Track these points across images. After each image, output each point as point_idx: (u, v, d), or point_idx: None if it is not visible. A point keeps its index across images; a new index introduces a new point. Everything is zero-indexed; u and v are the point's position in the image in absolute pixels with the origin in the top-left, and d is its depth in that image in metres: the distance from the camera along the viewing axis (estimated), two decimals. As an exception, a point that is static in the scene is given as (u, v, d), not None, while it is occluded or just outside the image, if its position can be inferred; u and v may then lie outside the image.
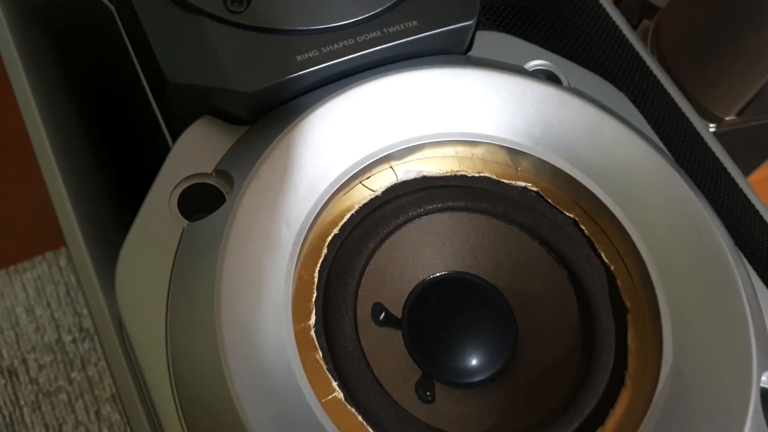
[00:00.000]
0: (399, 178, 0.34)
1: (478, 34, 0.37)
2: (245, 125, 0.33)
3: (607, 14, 0.44)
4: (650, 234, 0.33)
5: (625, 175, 0.34)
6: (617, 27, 0.43)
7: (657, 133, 0.40)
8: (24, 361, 0.61)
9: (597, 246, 0.34)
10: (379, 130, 0.33)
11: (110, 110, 0.40)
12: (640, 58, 0.42)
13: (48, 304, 0.62)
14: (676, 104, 0.43)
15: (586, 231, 0.34)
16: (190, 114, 0.33)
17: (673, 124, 0.43)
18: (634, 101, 0.41)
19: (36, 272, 0.63)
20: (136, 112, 0.38)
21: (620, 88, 0.40)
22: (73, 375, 0.60)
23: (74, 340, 0.61)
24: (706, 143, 0.42)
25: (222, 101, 0.32)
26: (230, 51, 0.32)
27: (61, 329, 0.61)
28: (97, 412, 0.58)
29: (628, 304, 0.33)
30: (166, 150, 0.34)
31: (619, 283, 0.33)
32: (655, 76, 0.42)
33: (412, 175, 0.34)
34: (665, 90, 0.42)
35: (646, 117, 0.40)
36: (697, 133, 0.41)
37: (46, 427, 0.58)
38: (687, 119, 0.43)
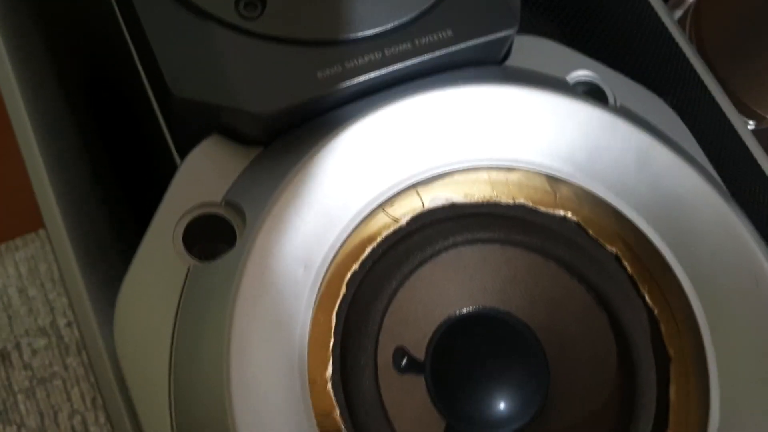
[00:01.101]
0: (425, 205, 0.31)
1: (517, 38, 0.33)
2: (258, 145, 0.30)
3: (654, 11, 0.40)
4: (699, 276, 0.30)
5: (675, 210, 0.30)
6: (664, 26, 0.39)
7: (702, 139, 0.36)
8: (17, 345, 0.58)
9: (640, 286, 0.31)
10: (406, 155, 0.30)
11: (111, 112, 0.36)
12: (687, 60, 0.39)
13: (42, 285, 0.59)
14: (722, 111, 0.39)
15: (629, 269, 0.31)
16: (198, 129, 0.30)
17: (718, 130, 0.40)
18: (677, 104, 0.37)
19: (29, 251, 0.60)
20: (140, 116, 0.34)
21: (664, 90, 0.37)
22: (68, 360, 0.58)
23: (69, 324, 0.58)
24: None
25: (232, 120, 0.29)
26: (242, 64, 0.28)
27: (56, 312, 0.59)
28: (94, 400, 0.56)
29: (671, 352, 0.30)
30: (172, 162, 0.31)
31: (662, 327, 0.31)
32: (702, 81, 0.38)
33: (439, 202, 0.31)
34: (711, 95, 0.39)
35: (692, 125, 0.36)
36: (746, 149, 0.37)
37: (41, 415, 0.56)
38: (732, 127, 0.40)
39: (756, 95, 0.48)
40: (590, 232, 0.32)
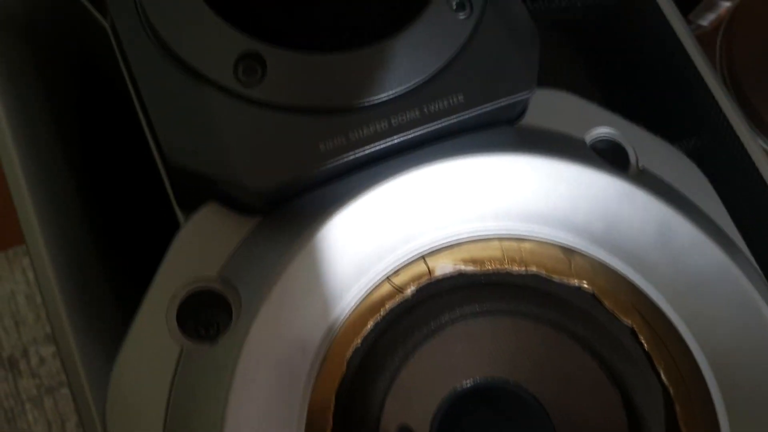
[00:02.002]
0: (433, 273, 0.29)
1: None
2: (256, 214, 0.28)
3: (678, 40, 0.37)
4: (718, 358, 0.29)
5: (696, 288, 0.29)
6: (693, 64, 0.37)
7: (727, 184, 0.35)
8: (25, 353, 0.58)
9: (656, 362, 0.30)
10: (413, 226, 0.28)
11: (112, 159, 0.35)
12: (715, 102, 0.37)
13: (50, 292, 0.58)
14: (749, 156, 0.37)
15: (644, 344, 0.30)
16: (198, 190, 0.28)
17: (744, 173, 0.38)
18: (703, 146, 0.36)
19: (37, 257, 0.59)
20: (142, 167, 0.33)
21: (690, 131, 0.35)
22: (76, 369, 0.57)
23: (77, 332, 0.57)
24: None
25: (229, 191, 0.27)
26: (240, 132, 0.27)
27: (64, 320, 0.58)
28: (102, 410, 0.56)
29: (686, 436, 0.29)
30: (173, 216, 0.30)
31: (677, 409, 0.29)
32: (731, 125, 0.36)
33: (447, 270, 0.30)
34: (740, 141, 0.37)
35: (717, 168, 0.34)
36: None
37: (49, 423, 0.56)
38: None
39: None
40: (606, 303, 0.30)
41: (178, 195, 0.30)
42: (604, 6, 0.39)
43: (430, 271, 0.30)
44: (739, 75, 0.48)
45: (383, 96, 0.27)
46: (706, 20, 0.70)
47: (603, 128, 0.31)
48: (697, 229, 0.29)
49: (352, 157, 0.27)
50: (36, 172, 0.32)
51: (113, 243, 0.35)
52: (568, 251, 0.30)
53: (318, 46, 0.28)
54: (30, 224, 0.30)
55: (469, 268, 0.30)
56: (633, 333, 0.30)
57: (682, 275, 0.29)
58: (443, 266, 0.30)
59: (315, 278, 0.26)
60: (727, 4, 0.64)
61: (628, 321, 0.30)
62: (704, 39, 0.57)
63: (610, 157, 0.31)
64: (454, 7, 0.29)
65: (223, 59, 0.27)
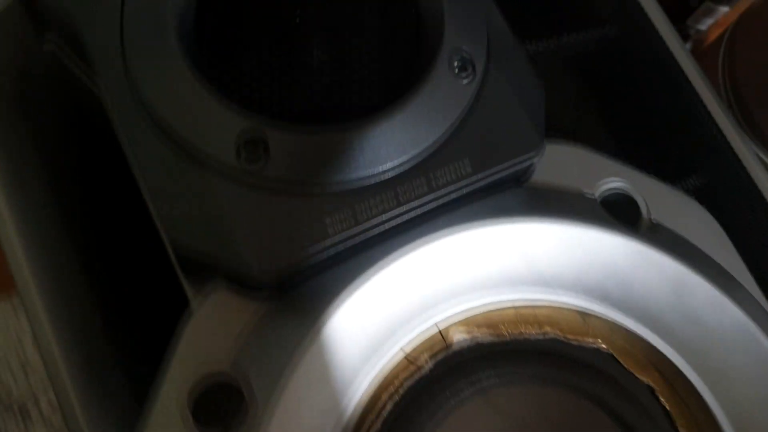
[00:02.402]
0: (448, 342, 0.29)
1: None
2: (266, 292, 0.28)
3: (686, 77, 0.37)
4: (739, 415, 0.28)
5: (713, 346, 0.29)
6: (698, 96, 0.36)
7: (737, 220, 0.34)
8: (35, 401, 0.57)
9: (676, 420, 0.29)
10: (425, 298, 0.28)
11: (112, 222, 0.34)
12: (722, 133, 0.36)
13: (57, 337, 0.58)
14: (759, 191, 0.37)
15: (664, 403, 0.29)
16: (202, 267, 0.28)
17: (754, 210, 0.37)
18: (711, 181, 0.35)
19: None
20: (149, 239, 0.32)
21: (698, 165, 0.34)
22: (87, 415, 0.57)
23: (87, 377, 0.57)
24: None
25: (236, 274, 0.27)
26: (245, 217, 0.26)
27: (73, 365, 0.57)
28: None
29: (711, 495, 0.28)
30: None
31: (700, 467, 0.29)
32: (738, 158, 0.36)
33: (463, 340, 0.29)
34: (749, 175, 0.36)
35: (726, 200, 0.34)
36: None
37: (63, 471, 0.55)
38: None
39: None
40: (624, 363, 0.30)
41: (183, 266, 0.30)
42: (609, 38, 0.38)
43: (445, 340, 0.29)
44: (742, 89, 0.47)
45: (388, 168, 0.27)
46: (705, 25, 0.69)
47: (613, 181, 0.31)
48: (712, 286, 0.28)
49: (360, 234, 0.26)
50: (34, 242, 0.31)
51: (119, 312, 0.35)
52: (583, 313, 0.29)
53: (318, 117, 0.27)
54: (30, 299, 0.30)
55: (486, 336, 0.29)
56: (652, 391, 0.30)
57: (698, 333, 0.28)
58: (459, 335, 0.29)
59: (329, 365, 0.26)
60: (726, 10, 0.63)
61: (646, 379, 0.29)
62: (707, 51, 0.56)
63: (622, 210, 0.31)
64: (456, 70, 0.28)
65: (224, 142, 0.26)
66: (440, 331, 0.29)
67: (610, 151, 0.33)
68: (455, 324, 0.29)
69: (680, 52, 0.37)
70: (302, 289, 0.27)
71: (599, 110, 0.37)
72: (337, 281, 0.27)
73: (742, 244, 0.33)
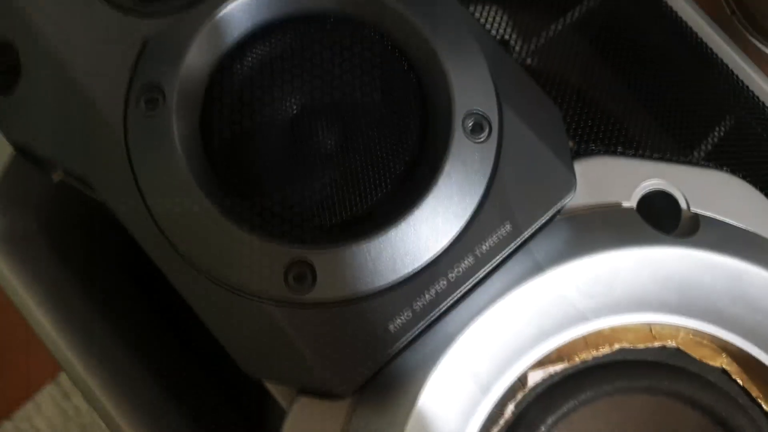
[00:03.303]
0: (525, 385, 0.30)
1: (576, 164, 0.31)
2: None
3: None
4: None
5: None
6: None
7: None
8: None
9: (754, 395, 0.31)
10: (504, 360, 0.29)
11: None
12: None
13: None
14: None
15: (739, 380, 0.31)
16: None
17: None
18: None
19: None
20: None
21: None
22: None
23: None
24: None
25: (317, 391, 0.28)
26: (310, 339, 0.27)
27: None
28: None
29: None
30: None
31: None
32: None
33: (538, 377, 0.30)
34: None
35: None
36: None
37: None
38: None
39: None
40: (692, 354, 0.31)
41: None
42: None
43: (522, 383, 0.30)
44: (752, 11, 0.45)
45: (434, 256, 0.27)
46: None
47: (649, 181, 0.31)
48: (764, 272, 0.29)
49: (423, 325, 0.27)
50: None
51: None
52: (647, 324, 0.30)
53: (347, 209, 0.28)
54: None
55: (558, 367, 0.30)
56: (725, 372, 0.31)
57: (762, 319, 0.29)
58: (533, 374, 0.30)
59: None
60: None
61: (716, 363, 0.31)
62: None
63: (661, 208, 0.31)
64: (473, 132, 0.28)
65: (271, 275, 0.27)
66: (519, 379, 0.30)
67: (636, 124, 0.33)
68: (531, 368, 0.30)
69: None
70: (381, 385, 0.28)
71: (619, 81, 0.36)
72: (411, 368, 0.28)
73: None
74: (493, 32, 0.39)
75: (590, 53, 0.36)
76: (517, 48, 0.36)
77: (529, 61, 0.36)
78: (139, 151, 0.28)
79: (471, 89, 0.28)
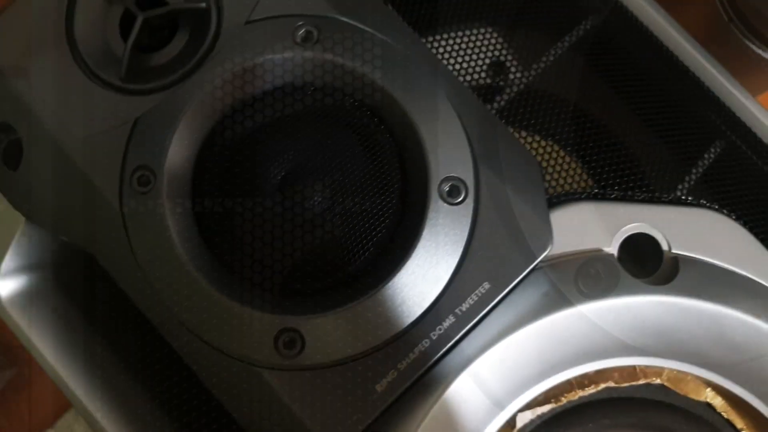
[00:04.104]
0: (513, 425, 0.32)
1: (560, 211, 0.32)
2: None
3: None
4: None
5: (761, 369, 0.30)
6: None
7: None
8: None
9: (737, 426, 0.32)
10: (491, 408, 0.30)
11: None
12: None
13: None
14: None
15: (723, 413, 0.32)
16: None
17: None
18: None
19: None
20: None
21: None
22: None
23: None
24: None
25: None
26: (302, 400, 0.29)
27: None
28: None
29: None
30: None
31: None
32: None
33: (527, 419, 0.32)
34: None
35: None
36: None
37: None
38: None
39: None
40: (676, 390, 0.32)
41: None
42: (596, 29, 0.37)
43: (511, 426, 0.32)
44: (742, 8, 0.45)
45: (415, 317, 0.29)
46: None
47: (628, 226, 0.32)
48: (744, 316, 0.30)
49: (408, 384, 0.29)
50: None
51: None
52: (632, 365, 0.31)
53: (339, 288, 0.29)
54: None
55: (546, 408, 0.32)
56: (709, 406, 0.32)
57: (741, 360, 0.30)
58: (522, 416, 0.32)
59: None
60: None
61: (701, 398, 0.32)
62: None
63: (643, 250, 0.32)
64: (449, 196, 0.29)
65: (262, 343, 0.28)
66: (507, 422, 0.31)
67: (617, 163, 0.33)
68: (519, 410, 0.32)
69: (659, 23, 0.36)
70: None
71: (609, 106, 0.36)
72: (406, 415, 0.29)
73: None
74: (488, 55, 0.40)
75: (572, 85, 0.36)
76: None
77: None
78: (135, 228, 0.29)
79: (447, 155, 0.29)
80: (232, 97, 0.30)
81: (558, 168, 0.34)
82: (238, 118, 0.30)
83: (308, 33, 0.30)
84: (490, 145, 0.30)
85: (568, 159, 0.34)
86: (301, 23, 0.30)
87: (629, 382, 0.32)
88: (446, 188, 0.29)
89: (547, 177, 0.33)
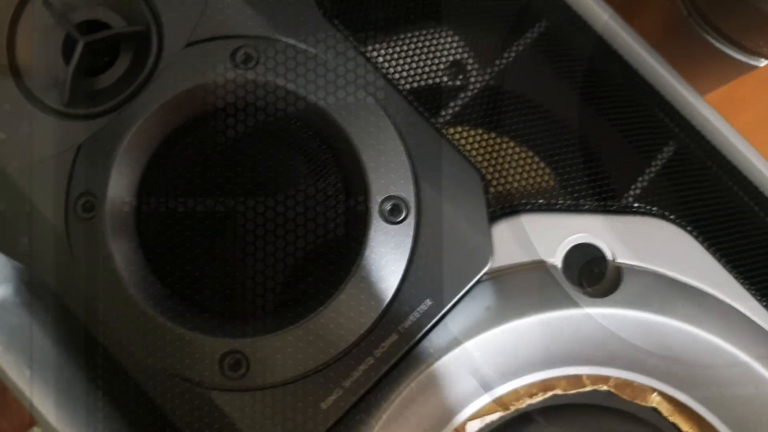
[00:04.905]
0: (463, 433, 0.32)
1: (506, 222, 0.32)
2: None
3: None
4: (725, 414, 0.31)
5: (703, 376, 0.31)
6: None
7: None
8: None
9: (683, 428, 0.33)
10: (432, 421, 0.31)
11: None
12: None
13: None
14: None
15: (668, 417, 0.33)
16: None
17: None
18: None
19: None
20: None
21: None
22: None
23: None
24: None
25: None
26: (249, 420, 0.30)
27: None
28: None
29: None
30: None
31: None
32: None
33: (476, 426, 0.33)
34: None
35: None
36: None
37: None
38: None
39: (754, 34, 0.43)
40: (622, 395, 0.32)
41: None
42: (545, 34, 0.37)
43: (460, 434, 0.32)
44: (701, 6, 0.45)
45: (359, 336, 0.29)
46: None
47: (572, 237, 0.32)
48: (685, 326, 0.30)
49: (353, 401, 0.29)
50: None
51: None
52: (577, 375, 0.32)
53: (283, 310, 0.30)
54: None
55: (495, 416, 0.32)
56: (655, 410, 0.33)
57: (682, 366, 0.31)
58: (471, 424, 0.32)
59: None
60: None
61: (647, 403, 0.32)
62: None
63: (588, 261, 0.32)
64: (390, 215, 0.29)
65: (209, 365, 0.29)
66: (456, 430, 0.32)
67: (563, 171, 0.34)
68: (469, 418, 0.32)
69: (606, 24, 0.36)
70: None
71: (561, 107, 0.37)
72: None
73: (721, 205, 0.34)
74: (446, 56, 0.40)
75: (526, 86, 0.37)
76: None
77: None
78: (80, 254, 0.30)
79: (388, 175, 0.29)
80: (175, 119, 0.30)
81: (505, 173, 0.34)
82: (181, 142, 0.30)
83: (248, 55, 0.30)
84: (431, 162, 0.31)
85: (522, 162, 0.34)
86: (240, 45, 0.30)
87: (576, 389, 0.32)
88: (387, 207, 0.29)
89: (494, 183, 0.34)
